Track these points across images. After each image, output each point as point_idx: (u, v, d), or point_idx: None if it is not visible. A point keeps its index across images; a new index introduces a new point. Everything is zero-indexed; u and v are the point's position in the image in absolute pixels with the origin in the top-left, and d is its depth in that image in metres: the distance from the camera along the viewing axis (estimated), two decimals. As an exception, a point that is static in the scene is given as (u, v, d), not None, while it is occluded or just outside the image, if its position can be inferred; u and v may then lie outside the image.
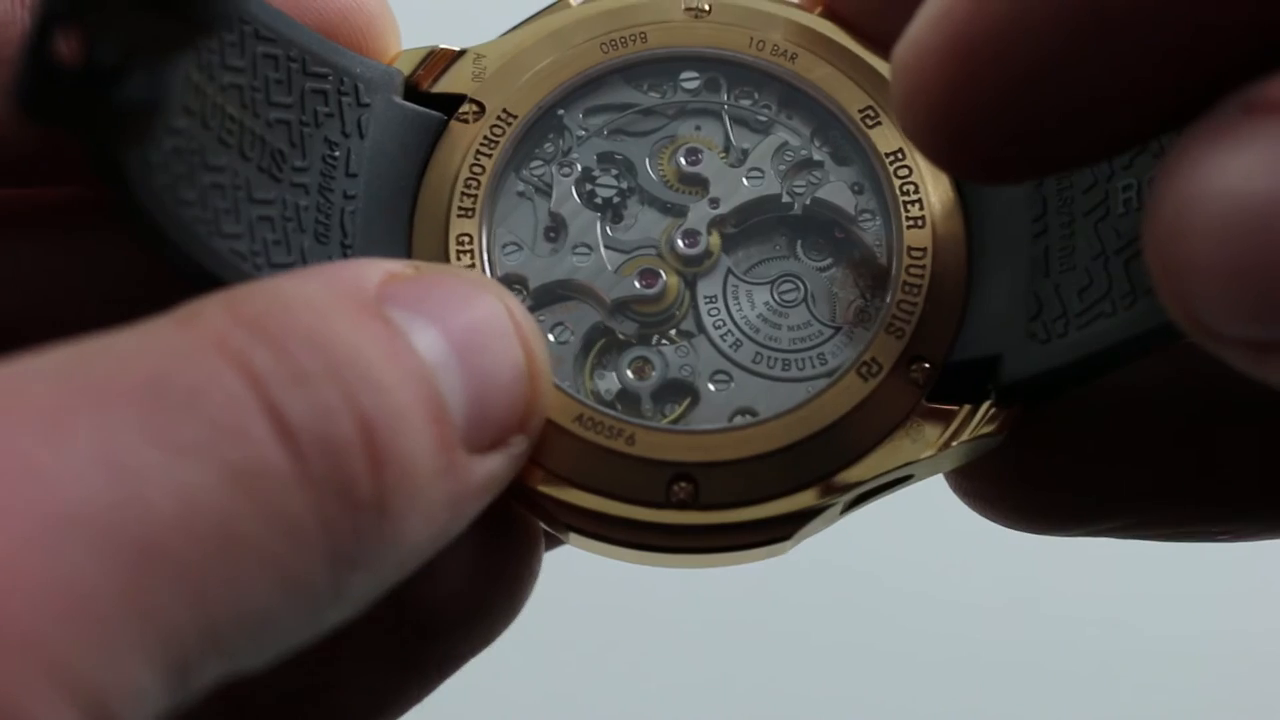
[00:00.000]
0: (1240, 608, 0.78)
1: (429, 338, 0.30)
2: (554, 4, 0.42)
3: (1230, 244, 0.26)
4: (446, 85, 0.40)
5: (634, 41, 0.40)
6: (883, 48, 0.40)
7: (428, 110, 0.39)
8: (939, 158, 0.31)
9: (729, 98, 0.41)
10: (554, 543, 0.40)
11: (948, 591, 0.74)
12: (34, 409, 0.25)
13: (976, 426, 0.37)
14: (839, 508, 0.37)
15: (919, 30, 0.29)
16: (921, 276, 0.38)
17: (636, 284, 0.38)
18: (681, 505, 0.36)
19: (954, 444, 0.37)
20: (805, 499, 0.36)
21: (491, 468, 0.32)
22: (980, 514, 0.40)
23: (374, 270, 0.31)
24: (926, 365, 0.37)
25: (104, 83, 0.27)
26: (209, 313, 0.28)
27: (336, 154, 0.37)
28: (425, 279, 0.32)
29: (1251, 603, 0.78)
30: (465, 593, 0.37)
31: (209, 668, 0.26)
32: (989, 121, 0.29)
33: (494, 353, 0.32)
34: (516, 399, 0.32)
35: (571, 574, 0.39)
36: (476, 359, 0.31)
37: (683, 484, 0.36)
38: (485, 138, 0.39)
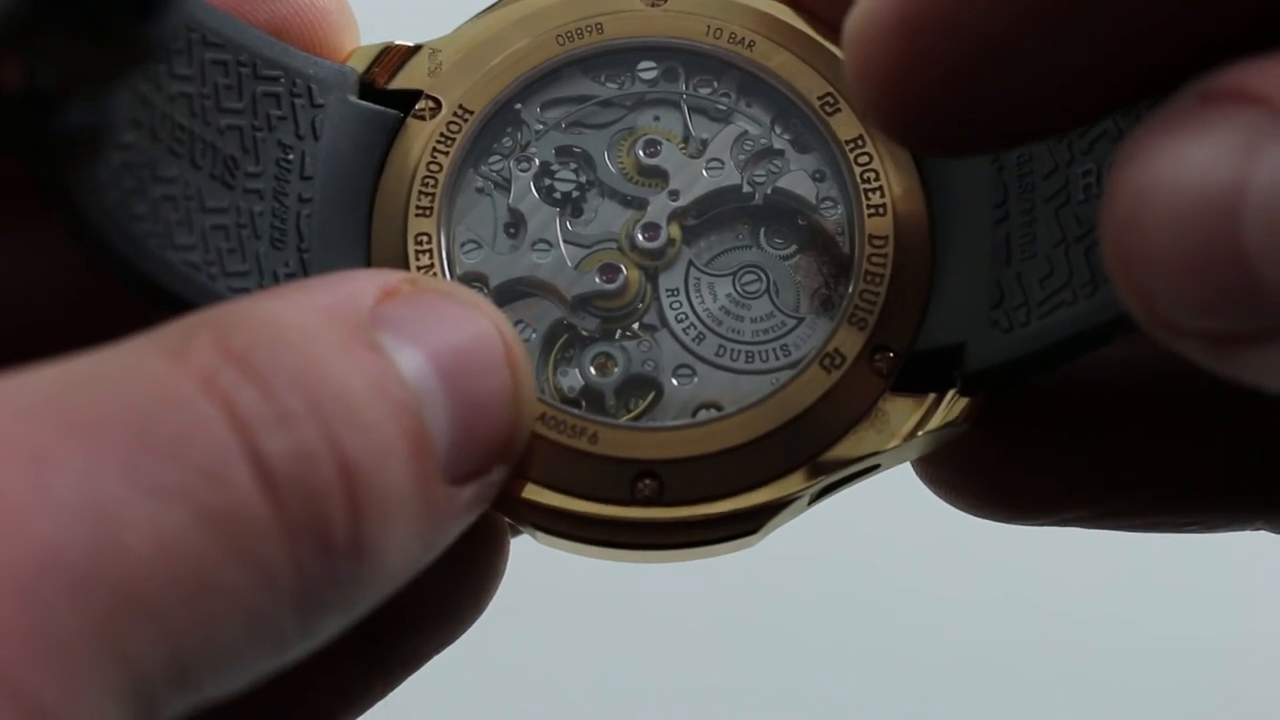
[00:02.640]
0: (1242, 606, 0.78)
1: (417, 364, 0.30)
2: None
3: (1185, 237, 0.26)
4: (402, 82, 0.39)
5: (590, 32, 0.40)
6: (840, 34, 0.40)
7: (383, 108, 0.39)
8: (894, 131, 0.30)
9: (687, 87, 0.40)
10: (517, 531, 0.39)
11: (939, 585, 0.74)
12: (16, 445, 0.25)
13: (941, 415, 0.37)
14: (805, 500, 0.37)
15: (870, 1, 0.29)
16: (883, 265, 0.37)
17: (597, 279, 0.38)
18: (647, 502, 0.36)
19: (919, 434, 0.37)
20: (771, 493, 0.36)
21: (470, 496, 0.32)
22: (947, 501, 0.40)
23: (370, 285, 0.31)
24: (890, 354, 0.37)
25: (46, 109, 0.26)
26: (198, 345, 0.27)
27: (290, 158, 0.37)
28: (420, 299, 0.31)
29: (1252, 600, 0.78)
30: (430, 589, 0.37)
31: (177, 702, 0.26)
32: (943, 93, 0.28)
33: (482, 380, 0.32)
34: (501, 428, 0.32)
35: (544, 564, 0.39)
36: (464, 387, 0.31)
37: (647, 481, 0.36)
38: (442, 134, 0.39)
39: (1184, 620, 0.79)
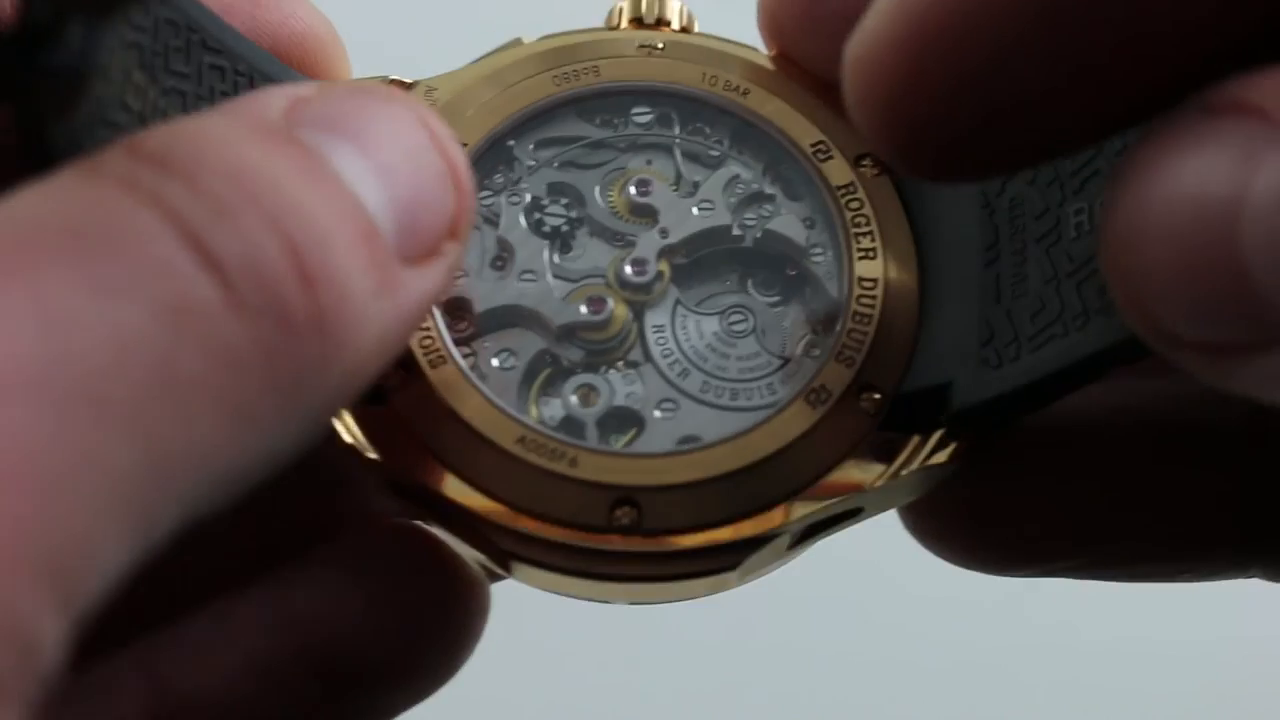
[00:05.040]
0: (1243, 609, 0.77)
1: (346, 156, 0.29)
2: (508, 43, 0.42)
3: (1183, 246, 0.26)
4: None
5: (586, 75, 0.40)
6: (834, 91, 0.40)
7: None
8: (897, 154, 0.30)
9: (681, 132, 0.40)
10: (497, 577, 0.38)
11: (934, 589, 0.73)
12: None
13: (926, 456, 0.36)
14: (787, 540, 0.36)
15: (873, 21, 0.29)
16: (873, 306, 0.37)
17: (583, 310, 0.38)
18: (624, 530, 0.35)
19: (903, 474, 0.36)
20: (750, 528, 0.35)
21: (429, 278, 0.31)
22: (934, 552, 0.39)
23: (277, 97, 0.30)
24: (876, 395, 0.36)
25: (35, 43, 0.26)
26: (110, 159, 0.27)
27: None
28: (333, 98, 0.31)
29: (1252, 604, 0.77)
30: (400, 645, 0.36)
31: (167, 514, 0.25)
32: (947, 111, 0.28)
33: (414, 162, 0.31)
34: (444, 205, 0.32)
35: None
36: (398, 171, 0.30)
37: (626, 508, 0.35)
38: None
39: (1183, 625, 0.78)
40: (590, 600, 0.37)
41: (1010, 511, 0.38)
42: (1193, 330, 0.26)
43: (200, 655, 0.35)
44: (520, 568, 0.36)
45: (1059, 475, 0.39)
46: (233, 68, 0.36)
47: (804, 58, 0.40)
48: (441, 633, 0.37)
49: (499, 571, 0.37)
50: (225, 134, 0.28)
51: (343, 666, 0.36)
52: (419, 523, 0.38)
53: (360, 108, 0.31)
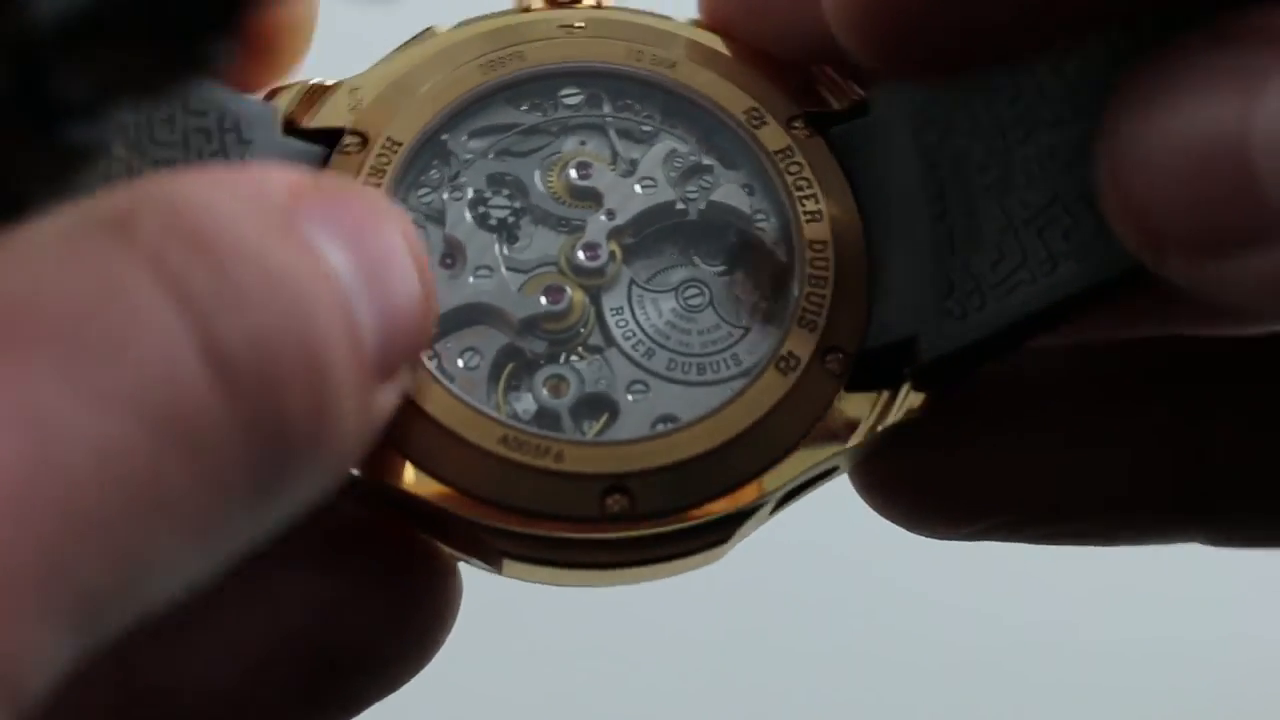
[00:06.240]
0: (1243, 609, 0.79)
1: (343, 260, 0.28)
2: (421, 33, 0.41)
3: (1199, 160, 0.27)
4: (324, 120, 0.38)
5: (512, 60, 0.40)
6: (762, 57, 0.40)
7: (309, 144, 0.38)
8: (875, 48, 0.31)
9: (611, 111, 0.40)
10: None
11: (928, 587, 0.75)
12: None
13: (897, 411, 0.37)
14: (770, 505, 0.37)
15: None
16: (826, 269, 0.38)
17: (543, 300, 0.38)
18: (617, 518, 0.35)
19: (878, 429, 0.37)
20: (741, 498, 0.36)
21: (389, 397, 0.30)
22: (881, 512, 0.40)
23: (278, 181, 0.29)
24: (841, 355, 0.37)
25: (57, 117, 0.24)
26: (145, 223, 0.25)
27: None
28: (332, 196, 0.30)
29: (1251, 604, 0.79)
30: (375, 635, 0.36)
31: (124, 617, 0.24)
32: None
33: (397, 279, 0.30)
34: (416, 326, 0.31)
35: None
36: (383, 285, 0.29)
37: (617, 496, 0.35)
38: (372, 167, 0.38)
39: (1180, 623, 0.80)
40: (583, 587, 0.37)
41: (956, 468, 0.39)
42: (1202, 234, 0.28)
43: (171, 646, 0.35)
44: (511, 565, 0.36)
45: (985, 425, 0.40)
46: (218, 125, 0.35)
47: (725, 21, 0.41)
48: (417, 621, 0.37)
49: (485, 568, 0.37)
50: (242, 213, 0.26)
51: (321, 656, 0.36)
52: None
53: (358, 214, 0.30)
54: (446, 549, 0.37)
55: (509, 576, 0.37)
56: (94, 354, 0.24)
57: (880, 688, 0.79)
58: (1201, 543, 0.41)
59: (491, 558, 0.36)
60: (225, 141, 0.36)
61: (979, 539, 0.41)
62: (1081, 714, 0.79)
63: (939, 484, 0.39)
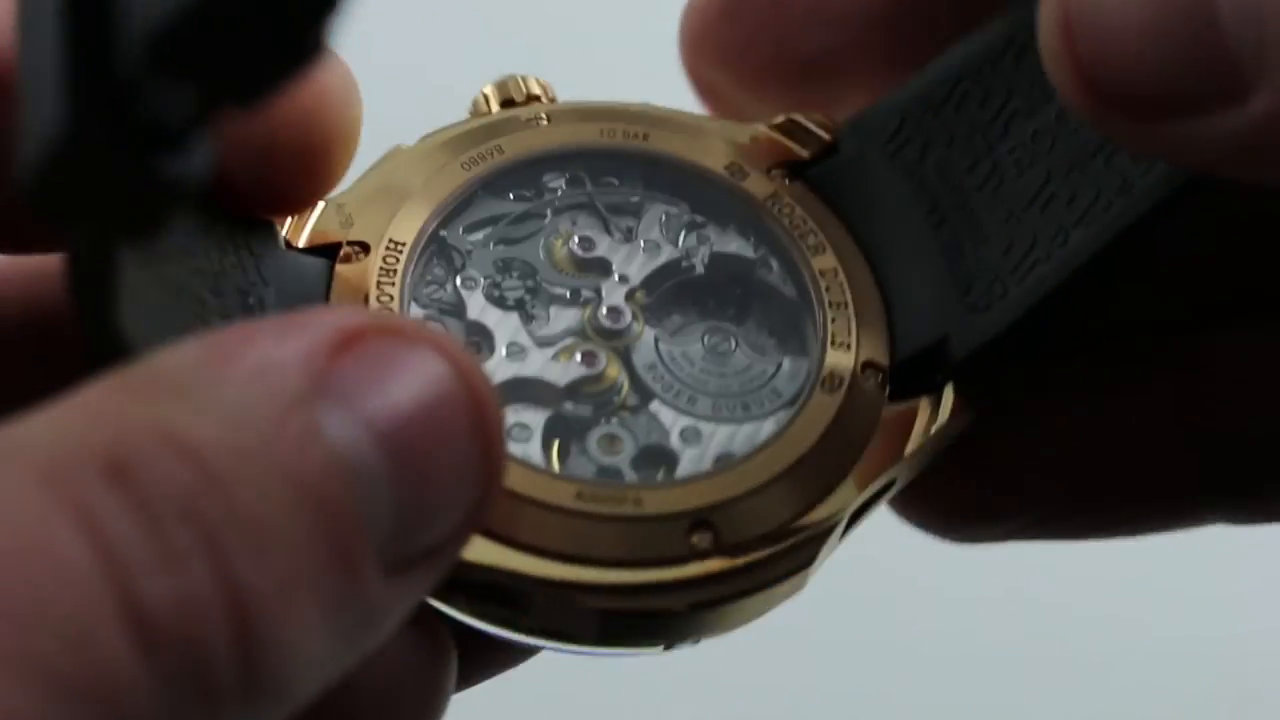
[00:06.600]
0: (1248, 605, 0.80)
1: (352, 436, 0.25)
2: (390, 152, 0.41)
3: (1156, 25, 0.28)
4: (315, 238, 0.38)
5: (491, 155, 0.40)
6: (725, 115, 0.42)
7: (312, 257, 0.38)
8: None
9: (594, 188, 0.41)
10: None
11: (940, 582, 0.74)
12: None
13: (941, 415, 0.38)
14: (843, 524, 0.37)
15: None
16: (843, 294, 0.39)
17: (580, 364, 0.38)
18: (705, 555, 0.35)
19: (930, 434, 0.37)
20: (818, 515, 0.36)
21: (412, 585, 0.27)
22: (917, 525, 0.41)
23: (323, 336, 0.26)
24: (878, 369, 0.38)
25: (152, 146, 0.21)
26: (77, 474, 0.23)
27: (251, 300, 0.35)
28: (380, 354, 0.26)
29: (1257, 599, 0.80)
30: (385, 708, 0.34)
31: None
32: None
33: (437, 448, 0.26)
34: (461, 502, 0.27)
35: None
36: (414, 458, 0.26)
37: (701, 532, 0.35)
38: (381, 268, 0.38)
39: (1189, 620, 0.80)
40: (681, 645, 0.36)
41: (981, 469, 0.40)
42: (1159, 86, 0.28)
43: None
44: (601, 633, 0.35)
45: (999, 424, 0.41)
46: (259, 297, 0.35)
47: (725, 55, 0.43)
48: (423, 691, 0.35)
49: (541, 645, 0.36)
50: (225, 427, 0.24)
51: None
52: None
53: (400, 372, 0.26)
54: (521, 636, 0.36)
55: (598, 653, 0.36)
56: (4, 618, 0.21)
57: (886, 685, 0.78)
58: (1224, 523, 0.41)
59: (577, 623, 0.35)
60: (240, 256, 0.36)
61: (1008, 539, 0.42)
62: (1084, 716, 0.79)
63: (966, 487, 0.40)
